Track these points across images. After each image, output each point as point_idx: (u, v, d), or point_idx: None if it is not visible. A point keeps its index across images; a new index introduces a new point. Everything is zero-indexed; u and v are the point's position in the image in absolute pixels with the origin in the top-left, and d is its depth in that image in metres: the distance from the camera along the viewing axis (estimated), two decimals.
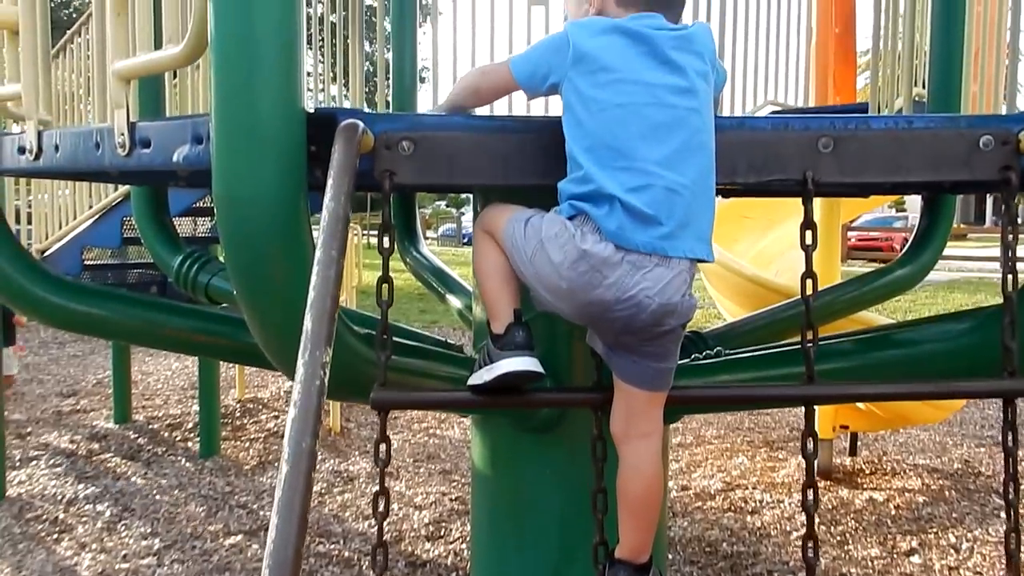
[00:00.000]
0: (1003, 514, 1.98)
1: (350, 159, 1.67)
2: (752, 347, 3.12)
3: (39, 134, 2.46)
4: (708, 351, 3.06)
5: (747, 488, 6.26)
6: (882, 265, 4.47)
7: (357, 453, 7.00)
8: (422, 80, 5.80)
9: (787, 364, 2.64)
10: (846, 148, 1.89)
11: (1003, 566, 1.98)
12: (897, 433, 7.55)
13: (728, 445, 7.33)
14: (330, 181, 1.63)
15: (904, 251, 3.80)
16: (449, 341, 3.56)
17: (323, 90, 6.96)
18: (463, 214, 42.42)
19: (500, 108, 3.77)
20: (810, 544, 1.89)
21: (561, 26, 1.97)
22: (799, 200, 1.92)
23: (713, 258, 1.83)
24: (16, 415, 7.97)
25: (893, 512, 5.78)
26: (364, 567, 4.91)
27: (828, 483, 6.26)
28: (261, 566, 1.33)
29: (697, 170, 1.77)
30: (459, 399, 2.20)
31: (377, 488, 1.84)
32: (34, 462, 6.71)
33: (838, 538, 5.34)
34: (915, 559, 5.06)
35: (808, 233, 1.88)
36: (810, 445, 1.90)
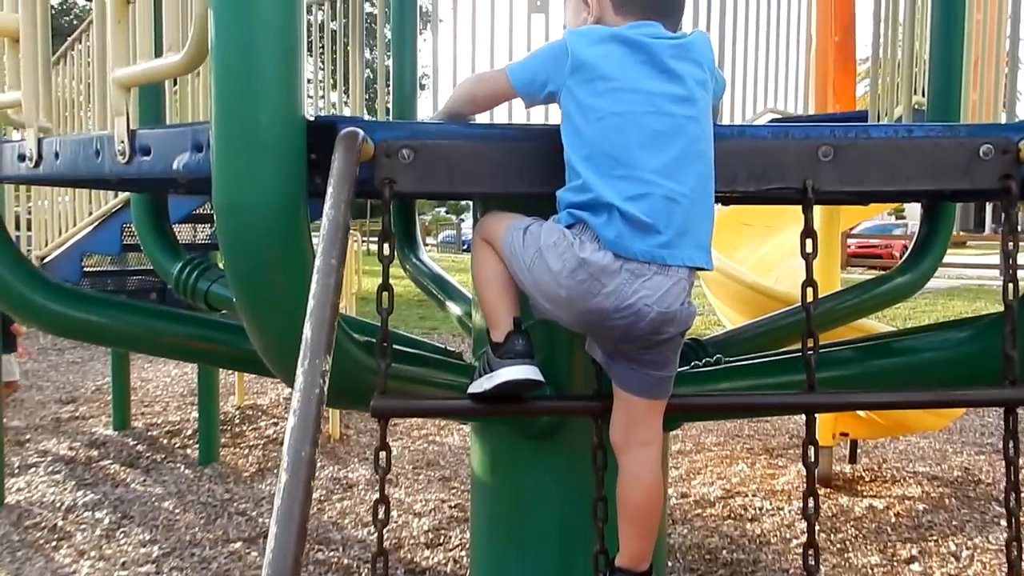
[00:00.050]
0: (1003, 522, 1.98)
1: (350, 167, 1.68)
2: (752, 354, 3.12)
3: (39, 141, 2.47)
4: (708, 358, 3.06)
5: (747, 495, 6.25)
6: (882, 272, 4.47)
7: (356, 460, 6.99)
8: (422, 87, 5.82)
9: (787, 372, 2.64)
10: (846, 157, 1.90)
11: (1004, 574, 1.97)
12: (897, 440, 7.54)
13: (728, 452, 7.32)
14: (330, 189, 1.64)
15: (904, 259, 3.80)
16: (449, 348, 3.55)
17: (323, 97, 6.98)
18: (463, 221, 42.45)
19: (500, 116, 3.78)
20: (811, 552, 1.89)
21: (560, 34, 1.98)
22: (799, 207, 1.93)
23: (712, 266, 1.83)
24: (15, 422, 7.96)
25: (893, 520, 5.77)
26: (364, 574, 4.90)
27: (828, 490, 6.25)
28: (260, 573, 1.32)
29: (696, 178, 1.77)
30: (459, 407, 2.21)
31: (377, 496, 1.84)
32: (33, 469, 6.70)
33: (838, 546, 5.32)
34: (915, 567, 5.05)
35: (808, 241, 1.89)
36: (811, 453, 1.90)
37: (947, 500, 6.17)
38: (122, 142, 2.09)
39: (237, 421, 8.13)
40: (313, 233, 1.90)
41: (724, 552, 5.24)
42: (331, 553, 5.18)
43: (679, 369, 1.93)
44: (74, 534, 5.42)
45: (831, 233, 5.83)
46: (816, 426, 1.96)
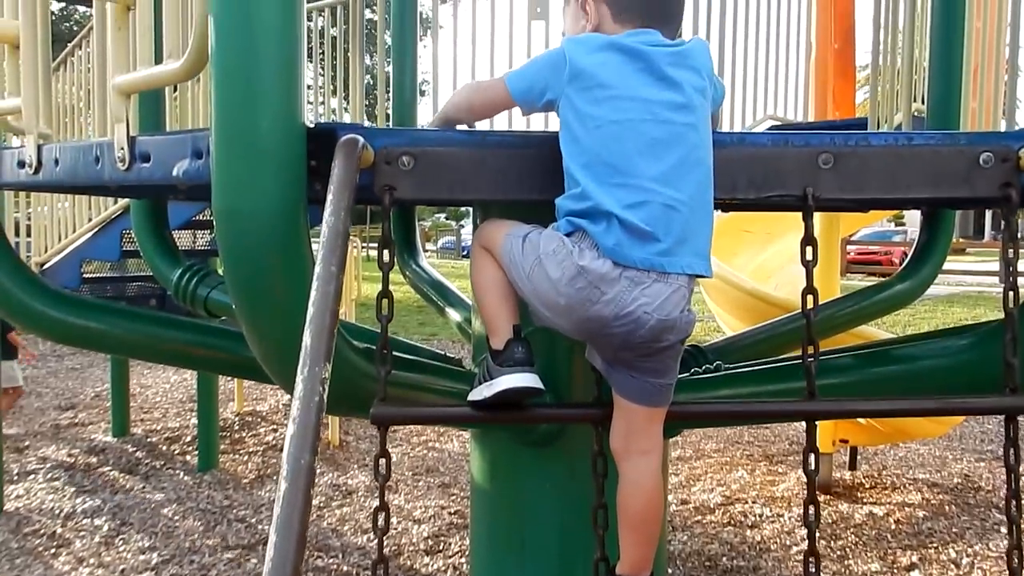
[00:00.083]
0: (1004, 529, 1.98)
1: (350, 174, 1.67)
2: (752, 361, 3.12)
3: (39, 148, 2.46)
4: (708, 365, 3.06)
5: (747, 502, 6.25)
6: (881, 279, 4.47)
7: (356, 466, 6.98)
8: (422, 93, 5.82)
9: (787, 379, 2.63)
10: (846, 164, 1.89)
11: None
12: (897, 447, 7.54)
13: (728, 459, 7.32)
14: (330, 196, 1.63)
15: (904, 266, 3.80)
16: (448, 354, 3.55)
17: (323, 103, 6.99)
18: (463, 227, 42.44)
19: (500, 122, 3.78)
20: (811, 560, 1.89)
21: (560, 41, 1.97)
22: (799, 214, 1.92)
23: (712, 273, 1.83)
24: (14, 429, 7.95)
25: (893, 527, 5.77)
26: None
27: (828, 497, 6.25)
28: None
29: (695, 186, 1.77)
30: (459, 414, 2.20)
31: (377, 503, 1.83)
32: (32, 476, 6.69)
33: (838, 553, 5.32)
34: (916, 574, 5.04)
35: (808, 249, 1.88)
36: (811, 461, 1.90)
37: (947, 507, 6.16)
38: (122, 149, 2.09)
39: (236, 427, 8.13)
40: (313, 239, 1.90)
41: (724, 559, 5.23)
42: (331, 560, 5.17)
43: (679, 375, 1.93)
44: (73, 541, 5.41)
45: (831, 240, 5.83)
46: (817, 433, 1.96)
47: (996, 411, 2.05)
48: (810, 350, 1.91)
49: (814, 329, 1.90)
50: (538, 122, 4.53)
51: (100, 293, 7.55)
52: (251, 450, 7.44)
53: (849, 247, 27.12)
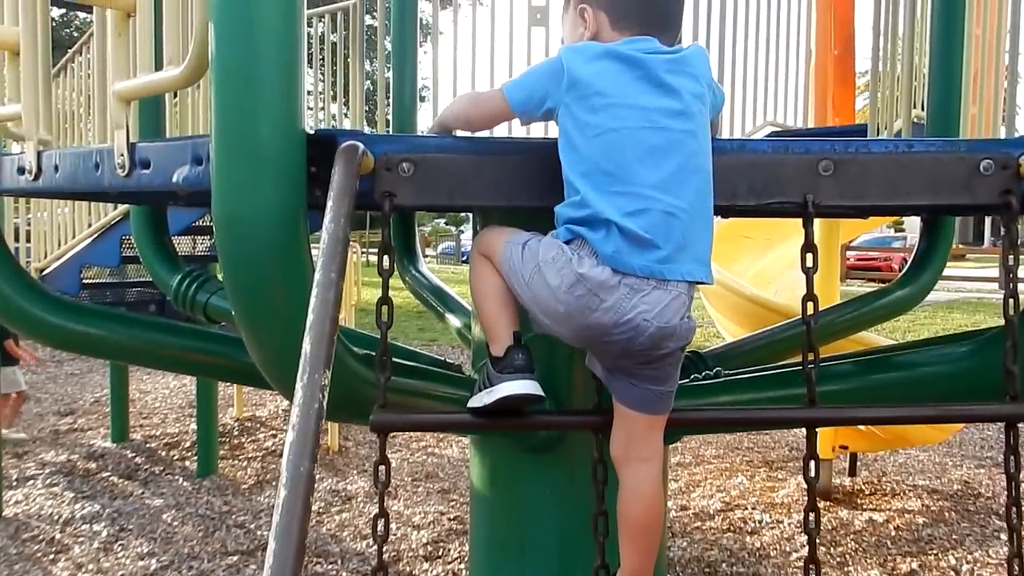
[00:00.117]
0: (1004, 536, 1.97)
1: (350, 181, 1.67)
2: (752, 367, 3.11)
3: (39, 154, 2.46)
4: (707, 371, 3.05)
5: (746, 508, 6.24)
6: (881, 285, 4.47)
7: (355, 472, 6.98)
8: (422, 99, 5.82)
9: (787, 385, 2.63)
10: (846, 171, 1.89)
11: None
12: (896, 453, 7.53)
13: (727, 465, 7.31)
14: (330, 203, 1.63)
15: (904, 272, 3.79)
16: (448, 360, 3.55)
17: (323, 108, 6.99)
18: (462, 232, 42.50)
19: (500, 129, 3.78)
20: (811, 567, 1.89)
21: (560, 47, 1.98)
22: (799, 220, 1.92)
23: (712, 280, 1.83)
24: (14, 434, 7.95)
25: (893, 533, 5.76)
26: None
27: (828, 503, 6.25)
28: None
29: (694, 192, 1.77)
30: (459, 421, 2.20)
31: (376, 510, 1.83)
32: (31, 481, 6.69)
33: (838, 559, 5.31)
34: None
35: (809, 256, 1.88)
36: (812, 468, 1.89)
37: (947, 514, 6.16)
38: (122, 155, 2.09)
39: (236, 433, 8.12)
40: (313, 245, 1.90)
41: (724, 565, 5.23)
42: (329, 566, 5.16)
43: (679, 381, 1.92)
44: (72, 547, 5.41)
45: (830, 246, 5.84)
46: (817, 440, 1.96)
47: (996, 418, 2.04)
48: (810, 357, 1.90)
49: (814, 336, 1.90)
50: (538, 128, 4.53)
51: (100, 299, 7.56)
52: (250, 455, 7.43)
53: (849, 253, 27.12)
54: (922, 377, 2.51)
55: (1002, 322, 1.93)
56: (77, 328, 2.79)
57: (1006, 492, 1.93)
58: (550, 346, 2.12)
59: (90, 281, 7.48)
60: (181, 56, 1.92)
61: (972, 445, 7.92)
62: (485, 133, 2.24)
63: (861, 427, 5.92)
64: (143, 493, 6.45)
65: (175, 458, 7.38)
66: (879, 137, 4.19)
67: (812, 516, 1.89)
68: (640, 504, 1.93)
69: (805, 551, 1.89)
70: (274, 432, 8.13)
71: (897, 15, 4.13)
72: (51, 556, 5.27)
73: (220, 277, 2.97)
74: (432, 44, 5.48)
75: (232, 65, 1.73)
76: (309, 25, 6.49)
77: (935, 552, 5.43)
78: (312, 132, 1.85)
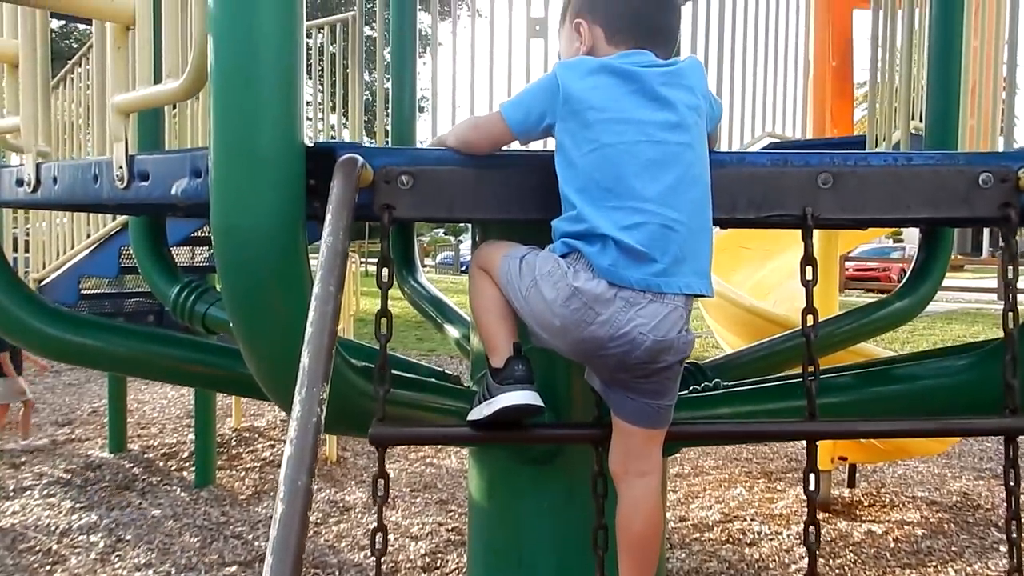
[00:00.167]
0: (1003, 548, 1.97)
1: (348, 194, 1.67)
2: (751, 379, 3.11)
3: (37, 167, 2.46)
4: (707, 383, 3.05)
5: (745, 519, 6.23)
6: (880, 295, 4.47)
7: (354, 482, 6.96)
8: (421, 110, 5.84)
9: (787, 397, 2.62)
10: (845, 184, 1.90)
11: None
12: (895, 465, 7.52)
13: (726, 475, 7.30)
14: (328, 216, 1.63)
15: (903, 283, 3.80)
16: (447, 370, 3.54)
17: (323, 119, 7.00)
18: (461, 242, 42.48)
19: None
20: None
21: (556, 60, 1.98)
22: (798, 231, 1.92)
23: (712, 293, 1.82)
24: (11, 444, 7.93)
25: (892, 545, 5.75)
26: None
27: (827, 515, 6.23)
28: None
29: (692, 205, 1.77)
30: (458, 434, 2.19)
31: (375, 524, 1.82)
32: (28, 492, 6.67)
33: (837, 571, 5.30)
34: None
35: (808, 269, 1.88)
36: (812, 482, 1.89)
37: (946, 525, 6.14)
38: (120, 167, 2.09)
39: (234, 443, 8.11)
40: (312, 255, 1.90)
41: None
42: None
43: (678, 393, 1.92)
44: (69, 558, 5.39)
45: (829, 257, 5.84)
46: (817, 453, 1.95)
47: (996, 432, 2.04)
48: (811, 370, 1.90)
49: (814, 348, 1.90)
50: (536, 142, 4.53)
51: (98, 309, 7.55)
52: (248, 466, 7.41)
53: (847, 263, 27.14)
54: (922, 390, 2.51)
55: (1001, 334, 1.93)
56: (75, 339, 2.79)
57: (1006, 505, 1.93)
58: (550, 358, 2.12)
59: (88, 292, 7.48)
60: (180, 68, 1.92)
61: (971, 456, 7.91)
62: None
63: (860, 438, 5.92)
64: (141, 503, 6.43)
65: (173, 468, 7.36)
66: (878, 148, 4.20)
67: (812, 530, 1.89)
68: (639, 519, 1.92)
69: (804, 563, 1.89)
70: (272, 442, 8.12)
71: (895, 26, 4.14)
72: (48, 567, 5.25)
73: (218, 288, 2.98)
74: (431, 55, 5.49)
75: (231, 77, 1.73)
76: (308, 36, 6.50)
77: (934, 564, 5.41)
78: (311, 145, 1.85)
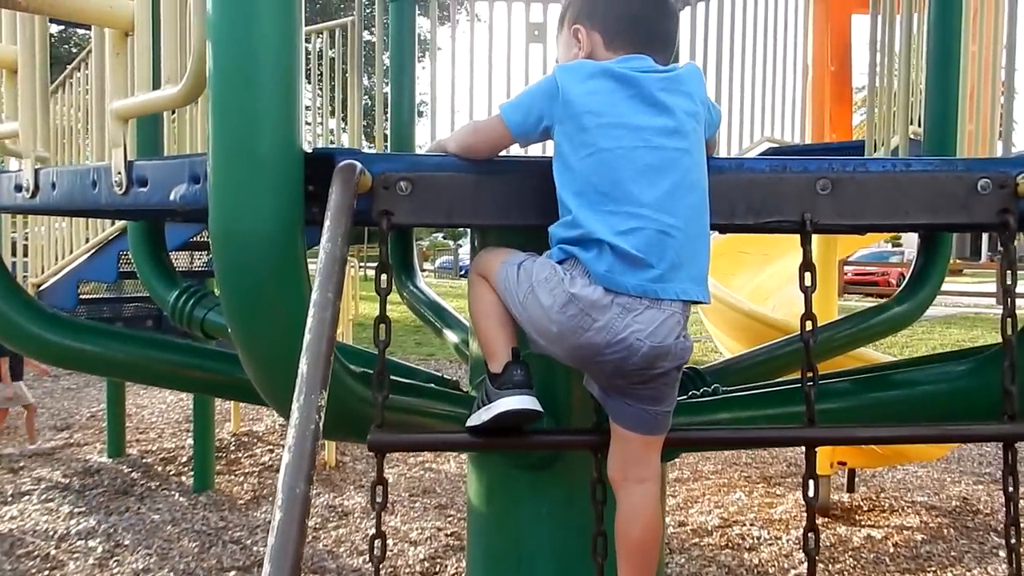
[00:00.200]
0: (1002, 553, 1.97)
1: (347, 200, 1.67)
2: (750, 384, 3.11)
3: (36, 172, 2.46)
4: (705, 388, 3.05)
5: (744, 524, 6.22)
6: (878, 299, 4.47)
7: (352, 487, 6.95)
8: (420, 114, 5.84)
9: (786, 403, 2.62)
10: (844, 190, 1.89)
11: None
12: (895, 469, 7.52)
13: (725, 480, 7.30)
14: (327, 222, 1.63)
15: (902, 288, 3.80)
16: (445, 375, 3.54)
17: (322, 123, 7.01)
18: (460, 246, 42.49)
19: None
20: None
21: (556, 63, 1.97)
22: (796, 235, 1.92)
23: (709, 299, 1.82)
24: (9, 449, 7.93)
25: (891, 550, 5.75)
26: None
27: (826, 520, 6.23)
28: None
29: (689, 210, 1.76)
30: (456, 441, 2.18)
31: (373, 530, 1.82)
32: (26, 497, 6.66)
33: None
34: None
35: (807, 275, 1.88)
36: (811, 488, 1.89)
37: (945, 530, 6.14)
38: (119, 173, 2.09)
39: (232, 448, 8.10)
40: (310, 259, 1.89)
41: None
42: None
43: (677, 398, 1.91)
44: (67, 563, 5.38)
45: (828, 261, 5.84)
46: (816, 460, 1.95)
47: (995, 438, 2.04)
48: (809, 376, 1.90)
49: (813, 354, 1.90)
50: (535, 146, 4.53)
51: (97, 314, 7.56)
52: (247, 471, 7.41)
53: (846, 267, 27.15)
54: (921, 395, 2.50)
55: (999, 338, 1.93)
56: (73, 344, 2.78)
57: (1005, 510, 1.92)
58: (549, 364, 2.11)
59: (87, 296, 7.48)
60: (179, 74, 1.92)
61: (970, 461, 7.90)
62: None
63: None
64: (139, 508, 6.43)
65: (171, 473, 7.36)
66: (876, 153, 4.20)
67: (812, 536, 1.88)
68: (638, 525, 1.92)
69: (803, 568, 1.89)
70: (271, 447, 8.11)
71: (893, 31, 4.14)
72: (46, 572, 5.24)
73: (217, 293, 2.97)
74: (430, 59, 5.50)
75: (230, 82, 1.73)
76: (307, 41, 6.51)
77: (933, 569, 5.41)
78: (310, 151, 1.85)
